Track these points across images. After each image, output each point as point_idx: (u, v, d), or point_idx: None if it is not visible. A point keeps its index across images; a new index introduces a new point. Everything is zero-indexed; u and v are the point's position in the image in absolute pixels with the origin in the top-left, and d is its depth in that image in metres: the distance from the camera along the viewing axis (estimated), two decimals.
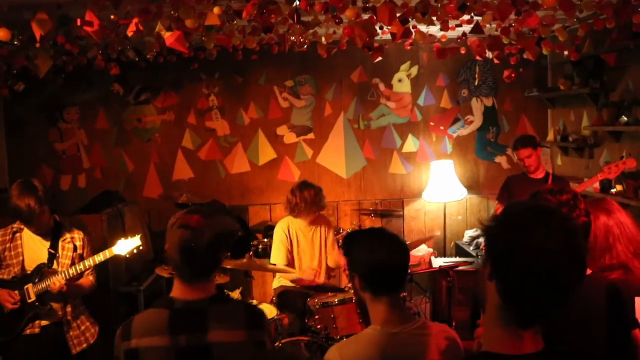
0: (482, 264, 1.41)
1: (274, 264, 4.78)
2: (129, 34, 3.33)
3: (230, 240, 2.22)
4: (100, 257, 3.64)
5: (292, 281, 4.76)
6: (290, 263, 4.82)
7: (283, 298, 4.69)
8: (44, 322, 3.65)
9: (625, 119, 4.88)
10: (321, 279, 4.87)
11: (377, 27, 4.06)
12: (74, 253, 3.73)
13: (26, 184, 3.55)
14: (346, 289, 4.68)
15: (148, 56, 5.17)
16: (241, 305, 2.17)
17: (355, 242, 2.21)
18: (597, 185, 5.21)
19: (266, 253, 5.34)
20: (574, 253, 1.30)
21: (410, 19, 3.65)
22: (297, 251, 4.85)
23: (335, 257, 4.93)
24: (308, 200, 4.65)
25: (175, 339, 2.01)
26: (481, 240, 5.87)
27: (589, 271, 2.21)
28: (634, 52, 4.76)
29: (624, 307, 2.17)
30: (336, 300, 4.03)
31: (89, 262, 3.63)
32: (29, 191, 3.49)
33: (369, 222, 6.49)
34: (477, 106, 6.65)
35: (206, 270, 2.12)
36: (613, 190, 4.97)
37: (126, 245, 3.69)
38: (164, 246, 2.14)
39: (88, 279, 3.76)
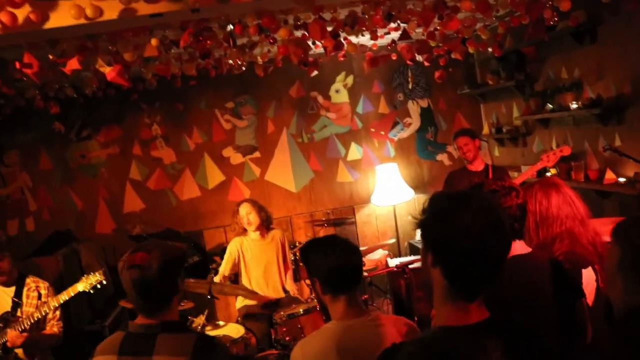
0: (423, 254, 1.55)
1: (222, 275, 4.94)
2: (68, 72, 3.37)
3: (182, 263, 2.30)
4: (64, 297, 3.63)
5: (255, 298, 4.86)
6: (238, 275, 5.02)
7: (248, 317, 4.78)
8: None
9: (551, 106, 5.20)
10: (279, 294, 4.98)
11: (310, 43, 4.23)
12: (39, 301, 3.73)
13: None
14: (308, 300, 4.79)
15: (87, 92, 5.17)
16: (194, 335, 2.22)
17: (312, 250, 2.40)
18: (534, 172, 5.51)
19: None
20: (497, 226, 1.47)
21: (340, 32, 3.81)
22: (248, 266, 4.98)
23: (291, 283, 5.07)
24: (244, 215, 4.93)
25: (122, 358, 2.13)
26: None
27: (529, 248, 2.40)
28: (551, 43, 5.08)
29: (569, 280, 2.36)
30: (301, 310, 4.14)
31: (53, 302, 3.61)
32: None
33: (323, 233, 6.62)
34: (413, 108, 6.91)
35: (164, 299, 2.21)
36: (548, 174, 5.27)
37: (88, 281, 3.70)
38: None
39: (52, 330, 3.73)
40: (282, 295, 4.96)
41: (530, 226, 2.70)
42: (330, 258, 2.28)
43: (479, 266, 1.46)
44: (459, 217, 1.45)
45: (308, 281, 2.41)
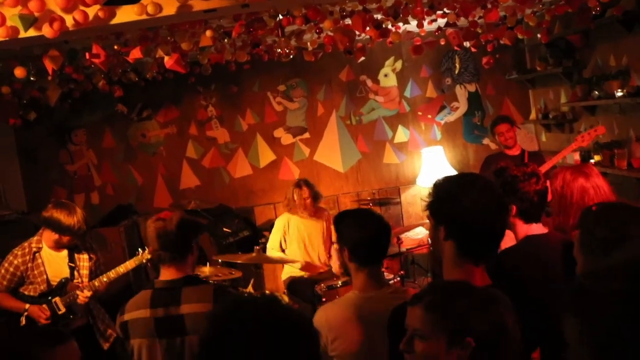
0: (434, 230, 1.78)
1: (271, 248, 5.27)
2: (131, 60, 3.68)
3: (197, 230, 2.76)
4: (121, 269, 3.96)
5: (302, 269, 5.15)
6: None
7: (292, 287, 5.08)
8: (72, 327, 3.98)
9: (597, 93, 5.22)
10: (325, 267, 5.26)
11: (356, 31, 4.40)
12: (90, 262, 4.07)
13: (67, 205, 3.81)
14: None
15: (147, 76, 5.50)
16: (210, 285, 2.70)
17: (346, 219, 2.55)
18: (578, 157, 5.56)
19: None
20: (498, 203, 1.74)
21: (383, 23, 3.98)
22: (294, 241, 5.26)
23: (335, 261, 5.32)
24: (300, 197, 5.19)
25: (154, 311, 2.54)
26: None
27: (546, 229, 2.56)
28: (598, 31, 5.09)
29: None
30: (340, 282, 4.39)
31: (112, 273, 3.94)
32: (75, 210, 3.77)
33: None
34: (461, 93, 7.00)
35: (180, 251, 2.61)
36: (592, 161, 5.31)
37: (139, 259, 4.03)
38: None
39: (102, 281, 4.07)
40: (326, 269, 5.23)
41: (554, 208, 2.80)
42: (362, 231, 2.41)
43: (486, 235, 1.72)
44: (463, 196, 1.71)
45: (336, 246, 2.66)
